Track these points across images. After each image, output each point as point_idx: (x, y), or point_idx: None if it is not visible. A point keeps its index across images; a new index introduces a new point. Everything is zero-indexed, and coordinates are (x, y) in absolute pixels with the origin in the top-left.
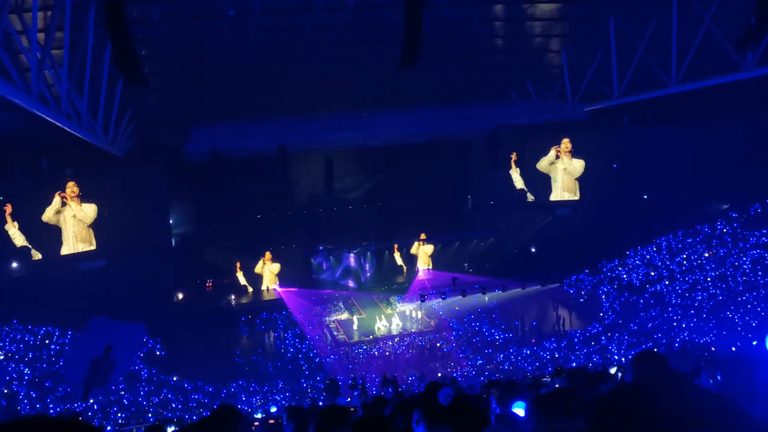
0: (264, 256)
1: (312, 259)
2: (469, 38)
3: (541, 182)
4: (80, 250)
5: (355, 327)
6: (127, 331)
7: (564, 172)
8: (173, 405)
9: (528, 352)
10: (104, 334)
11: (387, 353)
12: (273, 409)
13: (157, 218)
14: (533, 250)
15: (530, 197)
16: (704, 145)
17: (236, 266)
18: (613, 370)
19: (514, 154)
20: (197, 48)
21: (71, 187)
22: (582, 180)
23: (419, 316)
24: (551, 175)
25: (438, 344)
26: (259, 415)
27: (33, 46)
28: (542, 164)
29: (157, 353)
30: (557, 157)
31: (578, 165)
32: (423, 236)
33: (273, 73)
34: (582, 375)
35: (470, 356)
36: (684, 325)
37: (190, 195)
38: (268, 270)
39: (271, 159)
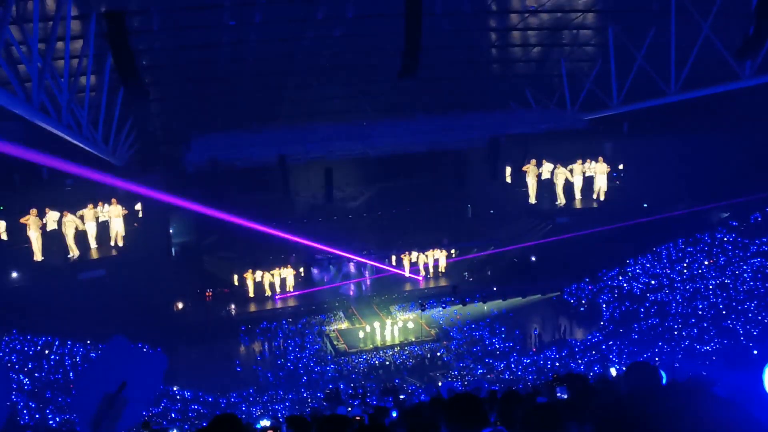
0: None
1: (312, 269)
2: (468, 48)
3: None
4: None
5: (361, 335)
6: (146, 363)
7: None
8: (172, 415)
9: (528, 361)
10: (121, 361)
11: (387, 362)
12: (266, 422)
13: (157, 228)
14: (533, 259)
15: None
16: (704, 154)
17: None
18: (613, 371)
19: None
20: (198, 58)
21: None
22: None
23: (419, 326)
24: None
25: (438, 353)
26: (266, 422)
27: (34, 56)
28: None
29: None
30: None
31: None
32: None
33: (273, 82)
34: (582, 383)
35: (470, 365)
36: (685, 334)
37: (190, 204)
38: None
39: (271, 168)
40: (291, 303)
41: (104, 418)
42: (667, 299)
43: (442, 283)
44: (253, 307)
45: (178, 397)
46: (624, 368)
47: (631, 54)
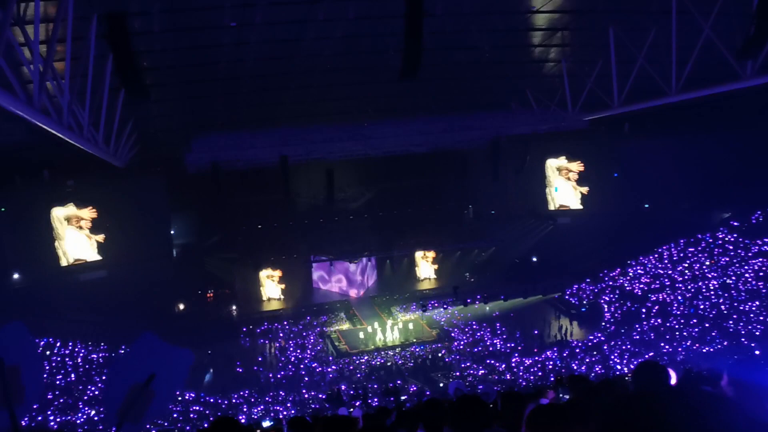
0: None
1: (313, 269)
2: (469, 49)
3: (540, 192)
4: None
5: (362, 336)
6: (173, 357)
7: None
8: (174, 416)
9: (530, 361)
10: (150, 355)
11: (389, 363)
12: (267, 423)
13: (158, 229)
14: (534, 259)
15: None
16: (705, 154)
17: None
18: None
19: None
20: (198, 59)
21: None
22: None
23: (420, 326)
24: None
25: (439, 354)
26: (267, 423)
27: (35, 57)
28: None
29: None
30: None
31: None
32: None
33: (274, 83)
34: (584, 384)
35: (472, 366)
36: (686, 334)
37: (192, 206)
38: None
39: (272, 169)
40: (292, 304)
41: (132, 408)
42: (668, 299)
43: (444, 283)
44: (254, 308)
45: (180, 399)
46: (626, 369)
47: (631, 54)
